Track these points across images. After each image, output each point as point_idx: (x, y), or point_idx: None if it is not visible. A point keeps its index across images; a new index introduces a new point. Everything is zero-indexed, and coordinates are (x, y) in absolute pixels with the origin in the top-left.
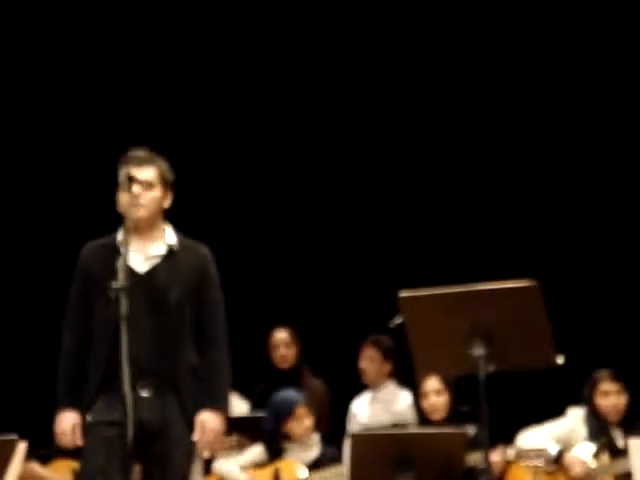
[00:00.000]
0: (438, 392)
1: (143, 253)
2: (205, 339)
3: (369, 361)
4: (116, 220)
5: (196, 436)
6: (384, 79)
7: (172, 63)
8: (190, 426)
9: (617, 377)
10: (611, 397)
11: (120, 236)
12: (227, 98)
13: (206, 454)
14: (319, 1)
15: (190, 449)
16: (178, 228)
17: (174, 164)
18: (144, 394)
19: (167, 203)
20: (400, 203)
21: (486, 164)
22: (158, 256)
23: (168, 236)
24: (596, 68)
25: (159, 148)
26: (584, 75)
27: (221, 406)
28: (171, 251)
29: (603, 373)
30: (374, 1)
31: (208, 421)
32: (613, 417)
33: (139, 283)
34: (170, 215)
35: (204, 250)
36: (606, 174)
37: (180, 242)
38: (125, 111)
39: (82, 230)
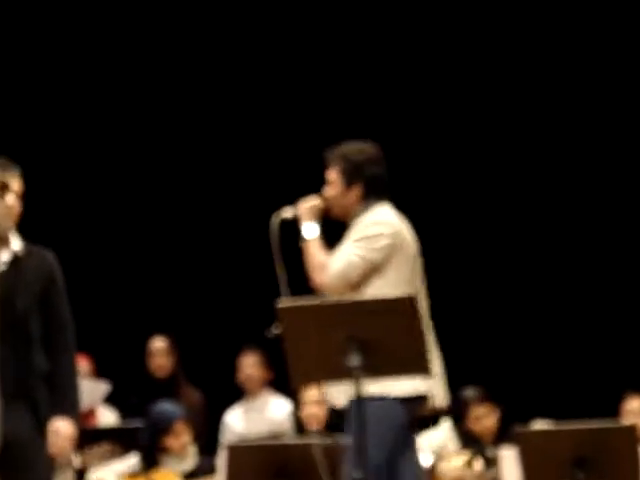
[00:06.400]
0: (318, 402)
1: None
2: (53, 345)
3: (249, 369)
4: None
5: (49, 444)
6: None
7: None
8: (44, 434)
9: (485, 397)
10: (482, 421)
11: None
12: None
13: (77, 464)
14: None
15: (50, 457)
16: (44, 235)
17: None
18: None
19: None
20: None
21: None
22: (2, 263)
23: (13, 242)
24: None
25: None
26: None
27: (71, 411)
28: (16, 258)
29: (471, 396)
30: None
31: (60, 428)
32: (487, 437)
33: None
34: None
35: (49, 256)
36: (483, 186)
37: (25, 248)
38: None
39: None
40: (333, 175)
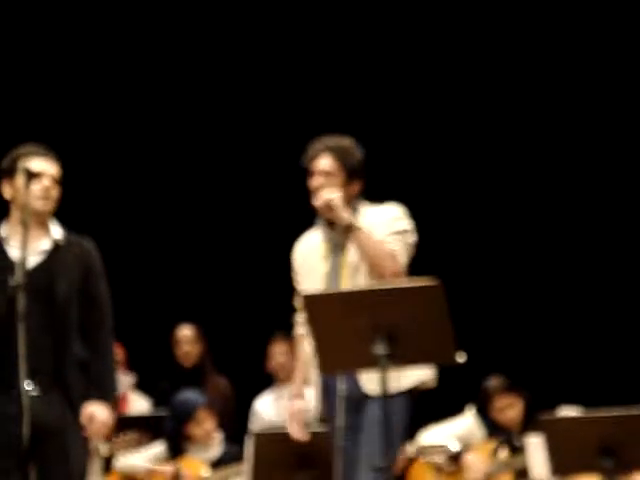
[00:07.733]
0: None
1: (28, 248)
2: (92, 333)
3: (280, 357)
4: None
5: (85, 428)
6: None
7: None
8: (80, 423)
9: (509, 387)
10: (506, 411)
11: (5, 230)
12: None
13: (104, 452)
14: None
15: (86, 446)
16: (73, 224)
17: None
18: (33, 393)
19: None
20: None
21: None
22: (44, 251)
23: (53, 231)
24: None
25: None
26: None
27: (108, 397)
28: (57, 246)
29: (494, 386)
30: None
31: (96, 412)
32: (513, 427)
33: (25, 279)
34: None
35: (89, 244)
36: (509, 174)
37: (65, 237)
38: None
39: None
40: (331, 166)
